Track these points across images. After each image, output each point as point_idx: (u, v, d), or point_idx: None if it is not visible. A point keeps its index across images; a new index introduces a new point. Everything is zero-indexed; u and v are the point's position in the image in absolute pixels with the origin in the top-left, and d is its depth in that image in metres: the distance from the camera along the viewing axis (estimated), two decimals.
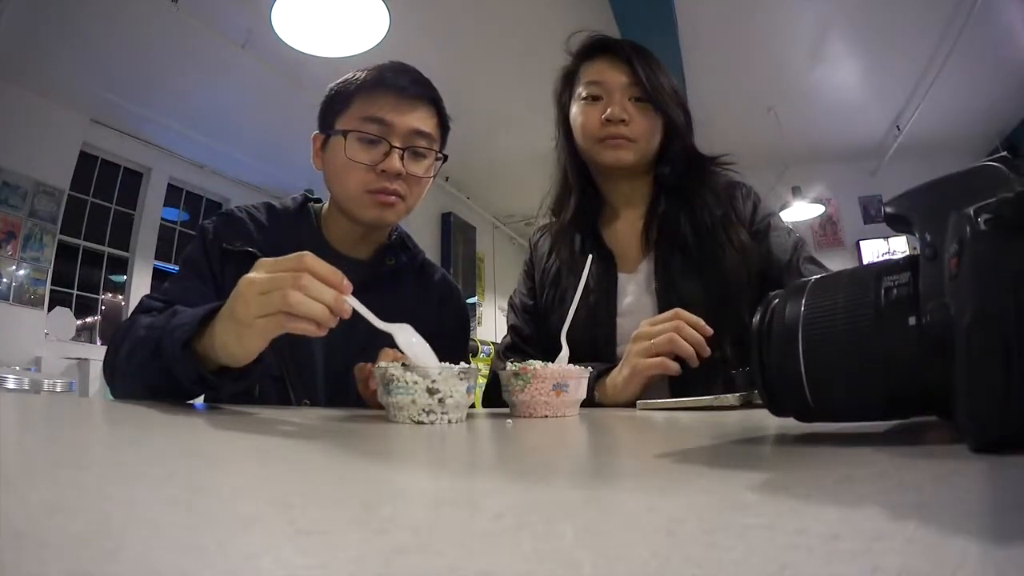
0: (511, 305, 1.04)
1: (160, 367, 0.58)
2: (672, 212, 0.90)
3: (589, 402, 0.69)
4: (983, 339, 0.16)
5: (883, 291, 0.28)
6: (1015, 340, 0.14)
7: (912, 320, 0.26)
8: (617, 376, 0.76)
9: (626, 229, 0.95)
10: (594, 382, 0.77)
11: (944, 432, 0.33)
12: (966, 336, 0.19)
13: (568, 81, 0.97)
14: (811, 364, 0.30)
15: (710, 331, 0.72)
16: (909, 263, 0.28)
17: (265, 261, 0.53)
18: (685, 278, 0.87)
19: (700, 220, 0.88)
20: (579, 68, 0.95)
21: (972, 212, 0.17)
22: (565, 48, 0.97)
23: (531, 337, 0.98)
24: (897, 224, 0.30)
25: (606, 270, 0.91)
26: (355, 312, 0.51)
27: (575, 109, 0.94)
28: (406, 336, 0.54)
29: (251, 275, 0.52)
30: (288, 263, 0.51)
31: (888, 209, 0.30)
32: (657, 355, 0.72)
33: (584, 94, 0.92)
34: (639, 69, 0.88)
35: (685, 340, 0.71)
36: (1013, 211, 0.15)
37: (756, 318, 0.33)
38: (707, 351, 0.72)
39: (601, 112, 0.89)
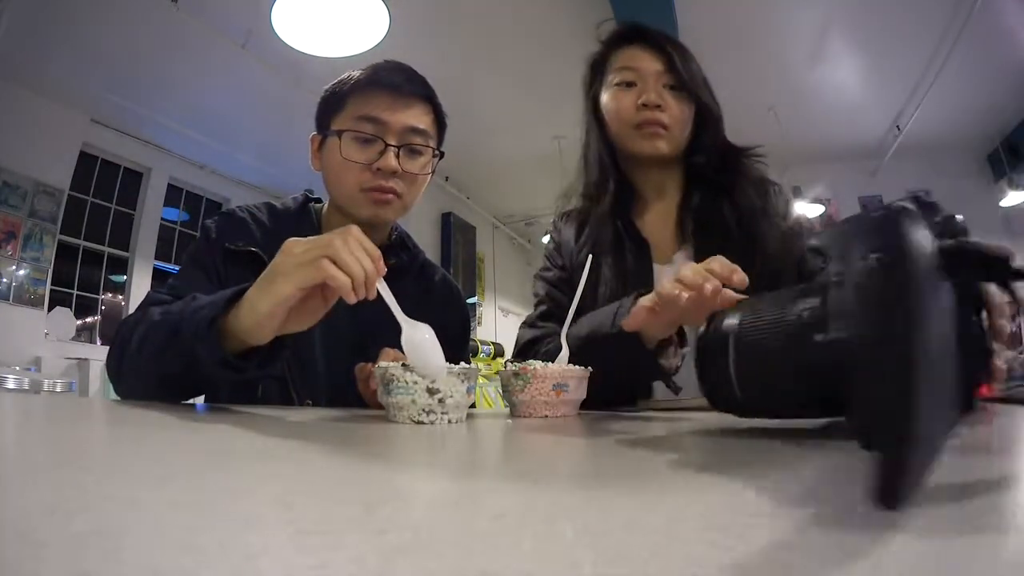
0: (542, 279, 0.98)
1: (178, 352, 0.56)
2: (708, 203, 0.88)
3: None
4: (867, 359, 0.19)
5: (799, 313, 0.36)
6: (892, 363, 0.17)
7: (819, 337, 0.34)
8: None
9: (657, 221, 0.93)
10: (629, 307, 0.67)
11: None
12: (854, 355, 0.23)
13: (597, 69, 0.95)
14: (739, 369, 0.38)
15: (744, 280, 0.53)
16: (821, 289, 0.35)
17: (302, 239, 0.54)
18: None
19: (743, 209, 0.86)
20: (609, 55, 0.93)
21: (868, 250, 0.21)
22: (595, 36, 0.95)
23: (566, 308, 0.94)
24: (816, 255, 0.37)
25: (641, 259, 0.89)
26: (357, 313, 0.51)
27: (607, 96, 0.91)
28: (417, 333, 0.53)
29: (295, 239, 0.54)
30: (333, 232, 0.53)
31: (811, 243, 0.36)
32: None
33: (616, 80, 0.90)
34: (674, 57, 0.87)
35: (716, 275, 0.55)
36: (897, 256, 0.19)
37: (700, 330, 0.40)
38: (744, 281, 0.52)
39: (636, 98, 0.87)
